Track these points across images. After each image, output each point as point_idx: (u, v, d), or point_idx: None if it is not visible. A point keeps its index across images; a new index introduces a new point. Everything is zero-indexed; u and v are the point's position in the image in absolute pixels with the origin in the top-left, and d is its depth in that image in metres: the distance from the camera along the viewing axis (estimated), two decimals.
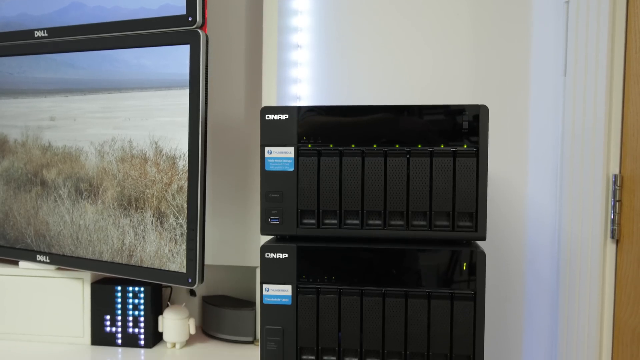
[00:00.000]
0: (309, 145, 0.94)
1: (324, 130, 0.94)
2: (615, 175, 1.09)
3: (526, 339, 1.30)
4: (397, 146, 0.92)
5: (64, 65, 1.22)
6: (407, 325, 0.92)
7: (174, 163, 1.10)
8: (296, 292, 0.95)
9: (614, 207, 1.09)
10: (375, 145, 0.93)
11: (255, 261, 1.27)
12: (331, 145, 0.94)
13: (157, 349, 1.23)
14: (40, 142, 1.26)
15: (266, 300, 0.96)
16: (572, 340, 1.15)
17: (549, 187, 1.24)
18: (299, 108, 0.95)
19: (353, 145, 0.93)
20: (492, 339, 1.32)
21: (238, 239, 1.29)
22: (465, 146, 0.91)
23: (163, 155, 1.11)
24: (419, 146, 0.92)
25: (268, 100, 1.14)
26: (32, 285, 1.27)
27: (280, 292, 0.96)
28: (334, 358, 0.95)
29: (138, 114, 1.14)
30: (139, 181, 1.14)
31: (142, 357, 1.18)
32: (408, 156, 0.92)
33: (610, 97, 1.10)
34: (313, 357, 0.95)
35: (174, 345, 1.24)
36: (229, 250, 1.30)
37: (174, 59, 1.09)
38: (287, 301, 0.95)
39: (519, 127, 1.28)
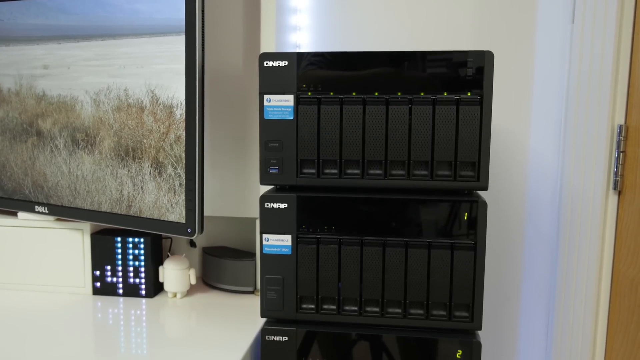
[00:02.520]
0: (309, 93, 0.92)
1: (324, 77, 0.92)
2: (621, 126, 1.07)
3: (525, 289, 1.31)
4: (399, 94, 0.90)
5: (56, 10, 1.18)
6: (407, 274, 0.93)
7: (171, 112, 1.08)
8: (296, 242, 0.95)
9: (617, 158, 1.08)
10: (376, 93, 0.91)
11: (254, 212, 1.27)
12: (331, 93, 0.92)
13: (158, 298, 1.24)
14: (35, 91, 1.24)
15: (266, 250, 0.96)
16: (570, 290, 1.16)
17: (552, 137, 1.23)
18: (299, 54, 0.92)
19: (354, 93, 0.91)
20: (491, 289, 1.33)
21: (237, 190, 1.28)
22: (469, 94, 0.89)
23: (160, 104, 1.09)
24: (422, 94, 0.90)
25: (267, 48, 1.11)
26: (32, 236, 1.27)
27: (280, 242, 0.95)
28: (334, 307, 0.95)
29: (133, 61, 1.11)
30: (136, 131, 1.12)
31: (144, 307, 1.19)
32: (410, 104, 0.90)
33: (618, 46, 1.07)
34: (313, 306, 0.96)
35: (174, 295, 1.25)
36: (229, 202, 1.29)
37: (169, 3, 1.05)
38: (287, 251, 0.95)
39: (524, 76, 1.26)
